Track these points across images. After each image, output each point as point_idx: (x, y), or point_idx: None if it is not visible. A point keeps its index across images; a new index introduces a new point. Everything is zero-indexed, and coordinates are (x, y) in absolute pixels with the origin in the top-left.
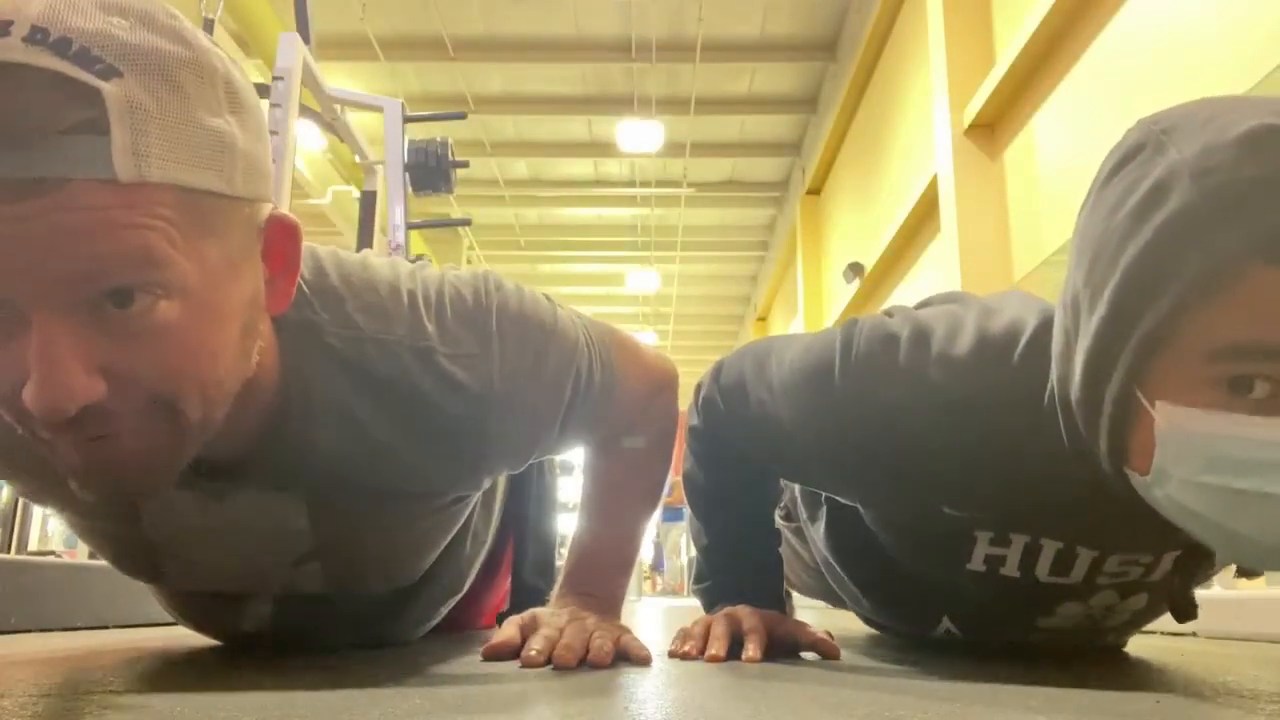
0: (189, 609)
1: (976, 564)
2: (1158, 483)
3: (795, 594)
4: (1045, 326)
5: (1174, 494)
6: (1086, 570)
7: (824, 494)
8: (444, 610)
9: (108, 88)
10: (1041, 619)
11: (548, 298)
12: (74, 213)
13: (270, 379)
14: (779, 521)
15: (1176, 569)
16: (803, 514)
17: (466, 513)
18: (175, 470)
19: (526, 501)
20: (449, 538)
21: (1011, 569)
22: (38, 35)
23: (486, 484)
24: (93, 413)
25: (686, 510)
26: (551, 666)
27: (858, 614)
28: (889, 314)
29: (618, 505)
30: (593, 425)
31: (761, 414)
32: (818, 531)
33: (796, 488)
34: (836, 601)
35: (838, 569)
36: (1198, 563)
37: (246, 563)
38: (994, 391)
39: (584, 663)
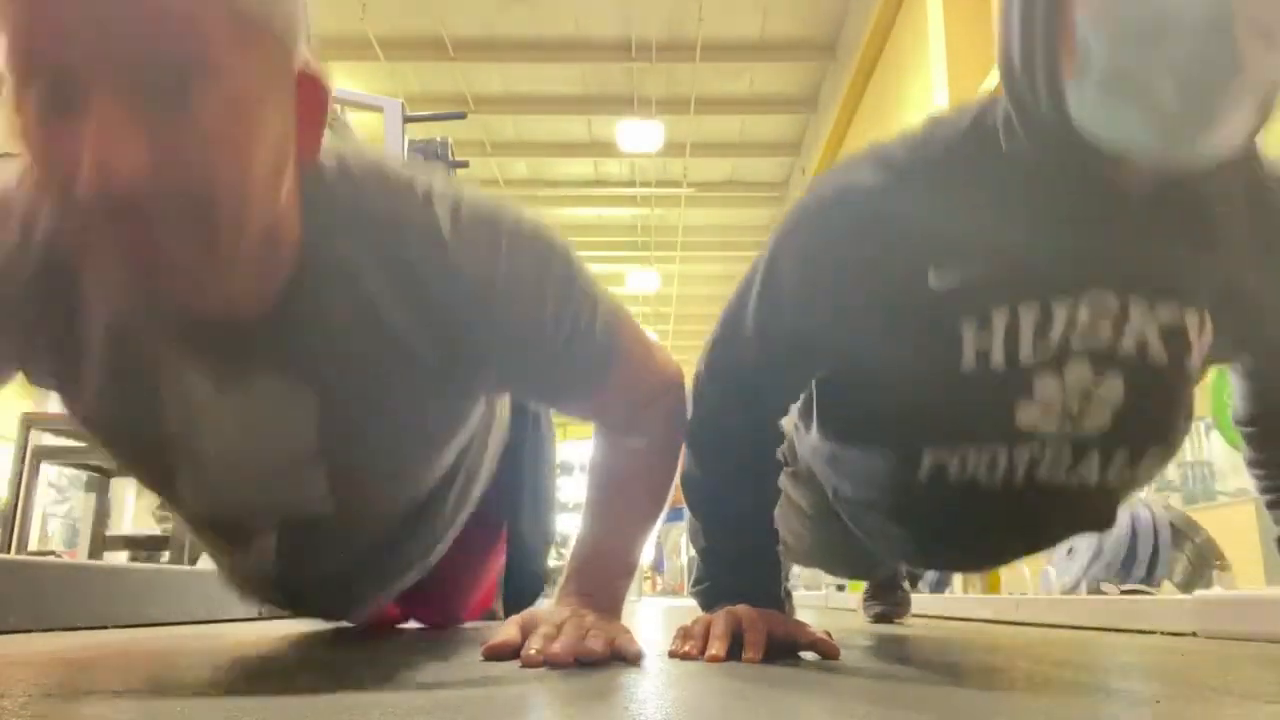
0: (205, 536)
1: (968, 363)
2: (1083, 66)
3: (794, 594)
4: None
5: (1096, 64)
6: (1061, 331)
7: (815, 392)
8: (431, 559)
9: None
10: (1022, 408)
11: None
12: None
13: (291, 239)
14: (782, 479)
15: (1139, 353)
16: (798, 434)
17: (463, 437)
18: (206, 281)
19: (520, 483)
20: (445, 459)
21: (998, 359)
22: None
23: (483, 404)
24: (136, 203)
25: (686, 511)
26: (548, 666)
27: (846, 511)
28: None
29: (622, 508)
30: (591, 389)
31: (753, 318)
32: (810, 438)
33: (790, 424)
34: (826, 555)
35: (828, 453)
36: (1164, 335)
37: (255, 464)
38: (952, 143)
39: (579, 661)
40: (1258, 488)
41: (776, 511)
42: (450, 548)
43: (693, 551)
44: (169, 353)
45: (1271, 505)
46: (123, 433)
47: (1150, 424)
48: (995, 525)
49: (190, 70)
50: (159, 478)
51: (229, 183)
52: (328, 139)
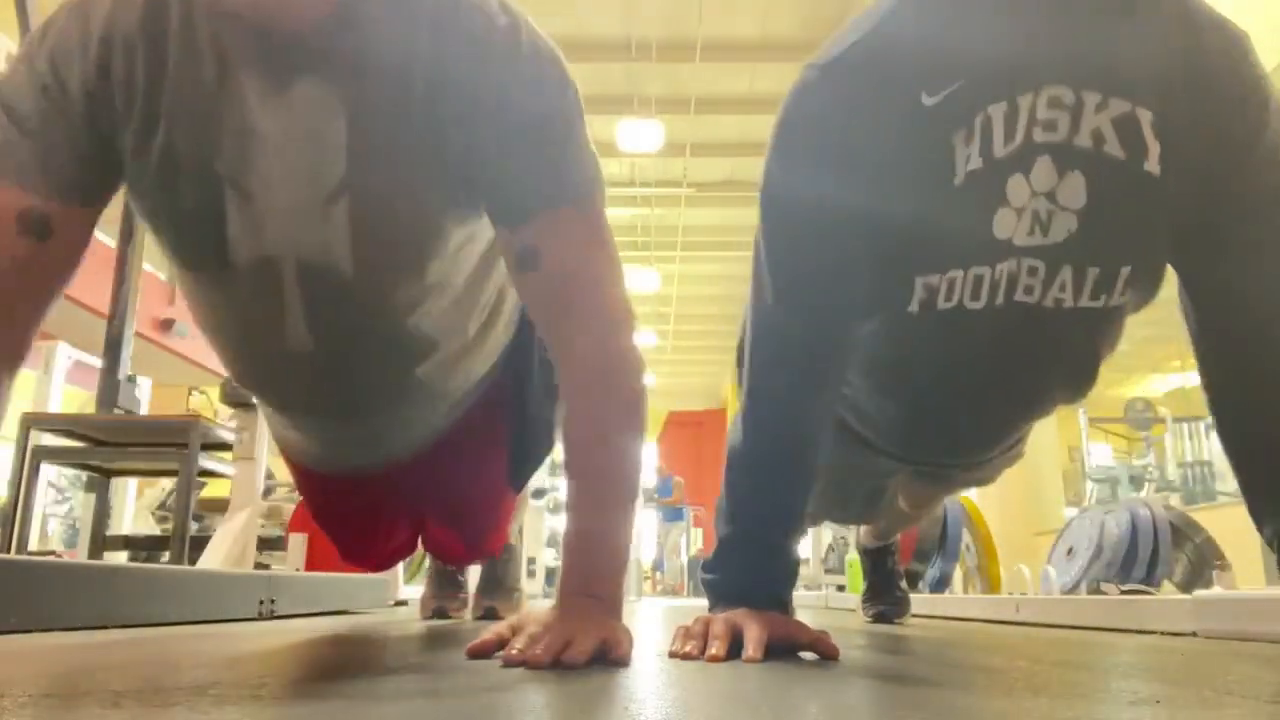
0: (232, 321)
1: (959, 176)
2: None
3: (794, 594)
4: None
5: None
6: (1025, 123)
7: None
8: (451, 413)
9: None
10: (999, 216)
11: None
12: None
13: None
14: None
15: (1096, 146)
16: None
17: (471, 245)
18: None
19: (529, 361)
20: (458, 254)
21: (976, 162)
22: None
23: (478, 217)
24: None
25: (687, 511)
26: (526, 667)
27: (845, 401)
28: None
29: (597, 496)
30: (541, 215)
31: (766, 253)
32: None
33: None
34: (829, 483)
35: None
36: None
37: (290, 192)
38: None
39: (559, 662)
40: (1234, 469)
41: None
42: (463, 447)
43: (693, 550)
44: (232, 60)
45: (1245, 488)
46: (183, 175)
47: (1116, 233)
48: (981, 373)
49: None
50: (207, 229)
51: None
52: None
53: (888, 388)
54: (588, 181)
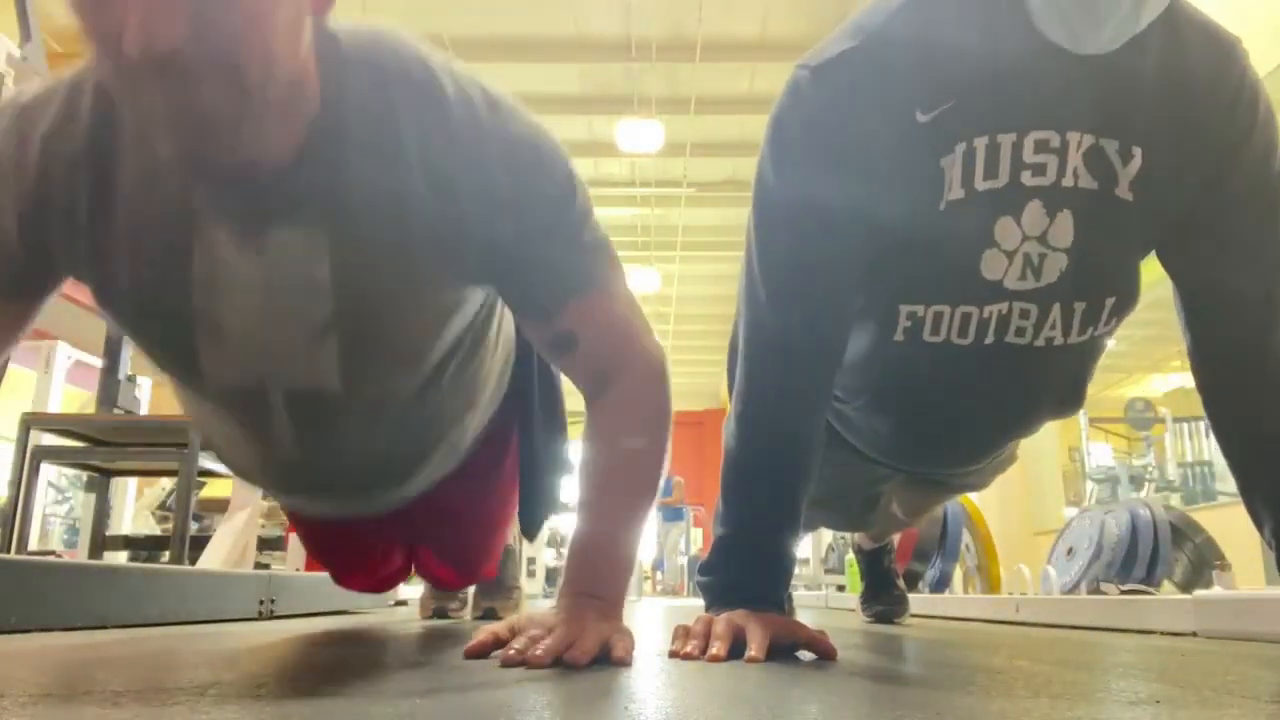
0: (218, 426)
1: (954, 193)
2: None
3: (794, 594)
4: None
5: None
6: (1010, 166)
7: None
8: (449, 463)
9: None
10: (987, 257)
11: None
12: None
13: (312, 92)
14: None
15: (1076, 182)
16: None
17: (465, 318)
18: (241, 127)
19: (530, 402)
20: (447, 342)
21: (959, 194)
22: None
23: (482, 292)
24: (178, 58)
25: (687, 511)
26: (525, 668)
27: (836, 414)
28: None
29: (613, 502)
30: (567, 304)
31: (758, 257)
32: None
33: None
34: (823, 491)
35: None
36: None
37: (272, 329)
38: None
39: (559, 663)
40: (1230, 465)
41: None
42: (462, 484)
43: (693, 550)
44: (197, 208)
45: (1244, 490)
46: (149, 307)
47: (1100, 267)
48: (969, 398)
49: None
50: (181, 355)
51: (257, 39)
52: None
53: (876, 408)
54: (606, 259)
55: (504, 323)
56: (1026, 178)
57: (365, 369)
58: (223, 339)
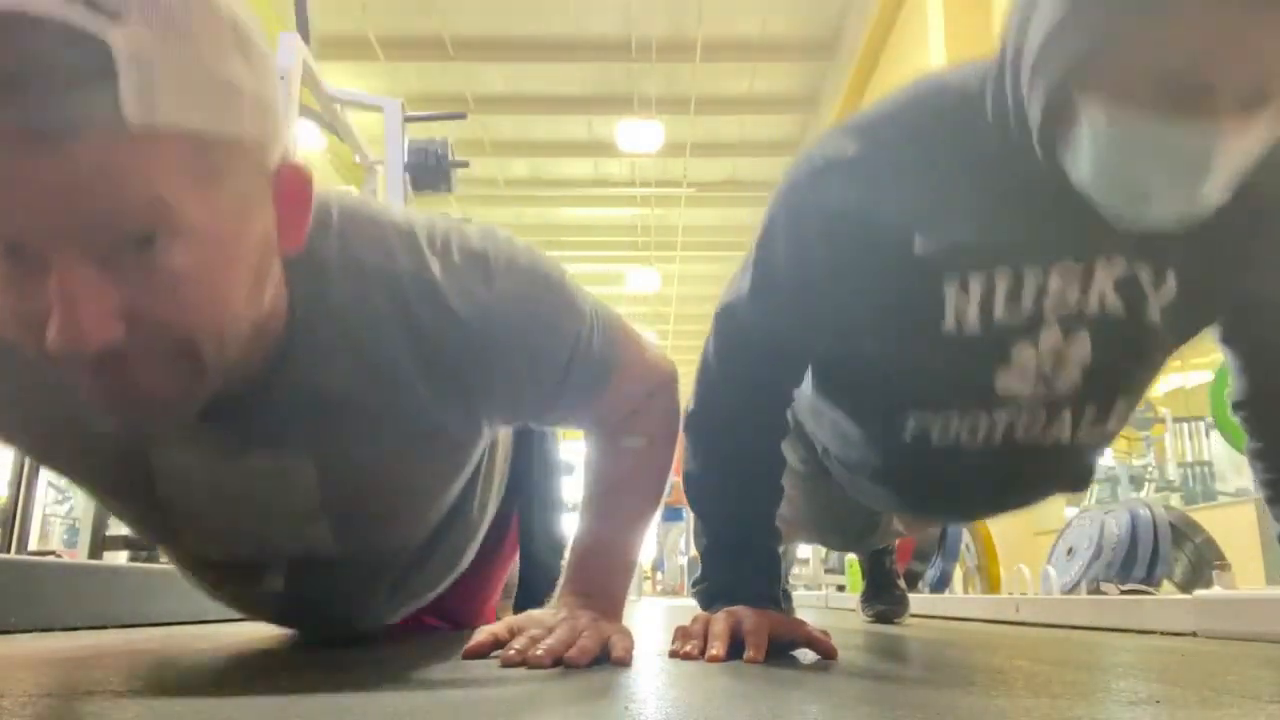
0: (205, 578)
1: (950, 323)
2: (1076, 154)
3: (794, 594)
4: (961, 80)
5: (1087, 159)
6: (1034, 297)
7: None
8: (449, 578)
9: (114, 33)
10: (1000, 374)
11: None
12: (85, 161)
13: (279, 314)
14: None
15: (1101, 308)
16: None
17: (468, 470)
18: (194, 404)
19: (529, 480)
20: (452, 495)
21: (973, 321)
22: None
23: (487, 435)
24: (112, 353)
25: (687, 511)
26: (527, 668)
27: (835, 468)
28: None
29: (619, 505)
30: (590, 401)
31: (749, 298)
32: (803, 390)
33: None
34: (819, 518)
35: (818, 409)
36: (1127, 294)
37: (257, 524)
38: (938, 114)
39: (560, 662)
40: (1257, 480)
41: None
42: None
43: (694, 551)
44: (164, 438)
45: (1271, 500)
46: (115, 500)
47: (1115, 377)
48: (976, 484)
49: (153, 232)
50: (155, 532)
51: (207, 317)
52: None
53: (881, 481)
54: (614, 343)
55: (503, 437)
56: (1048, 305)
57: (364, 535)
58: (200, 525)
